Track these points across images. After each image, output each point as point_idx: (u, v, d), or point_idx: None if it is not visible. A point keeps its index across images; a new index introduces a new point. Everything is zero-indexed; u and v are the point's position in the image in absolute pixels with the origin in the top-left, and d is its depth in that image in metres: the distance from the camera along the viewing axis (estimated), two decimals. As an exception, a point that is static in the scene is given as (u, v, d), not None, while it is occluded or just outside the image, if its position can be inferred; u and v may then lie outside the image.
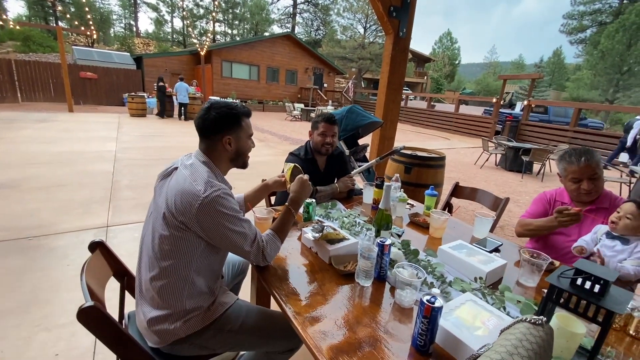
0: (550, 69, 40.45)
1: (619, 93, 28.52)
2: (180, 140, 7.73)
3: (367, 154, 3.80)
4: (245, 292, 1.58)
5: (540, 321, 0.72)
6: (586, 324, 0.82)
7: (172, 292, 1.04)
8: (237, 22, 38.90)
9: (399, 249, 1.34)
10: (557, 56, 41.03)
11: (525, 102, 11.40)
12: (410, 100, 19.07)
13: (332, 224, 1.55)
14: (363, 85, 23.80)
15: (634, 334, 0.96)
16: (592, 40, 31.48)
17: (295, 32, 36.88)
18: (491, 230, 1.71)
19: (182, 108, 11.30)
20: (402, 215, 1.82)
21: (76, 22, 18.59)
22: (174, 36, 38.90)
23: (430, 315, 0.82)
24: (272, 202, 2.12)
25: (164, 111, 11.40)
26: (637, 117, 8.18)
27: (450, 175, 3.63)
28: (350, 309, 1.02)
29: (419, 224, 1.72)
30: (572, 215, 1.43)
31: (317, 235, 1.31)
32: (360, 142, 3.67)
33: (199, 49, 15.08)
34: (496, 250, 1.46)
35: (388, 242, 1.13)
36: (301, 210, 1.58)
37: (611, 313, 0.74)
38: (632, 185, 5.46)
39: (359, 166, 2.92)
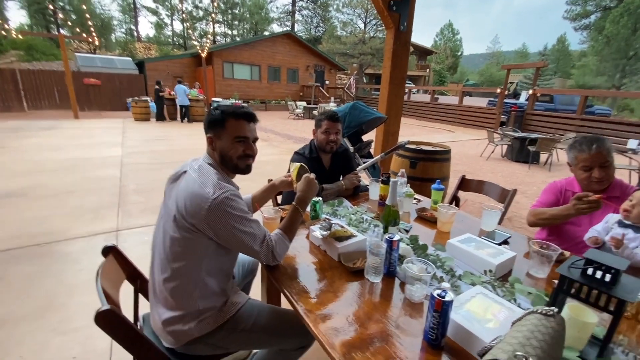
0: (554, 57, 39.85)
1: (625, 78, 28.00)
2: (185, 143, 7.79)
3: (372, 150, 3.80)
4: (256, 292, 1.60)
5: (551, 312, 0.72)
6: (598, 313, 0.81)
7: (184, 293, 1.06)
8: (236, 23, 38.92)
9: (407, 244, 1.35)
10: (562, 43, 40.40)
11: (531, 92, 11.26)
12: (414, 93, 18.95)
13: (340, 221, 1.56)
14: (365, 81, 23.70)
15: (646, 322, 0.96)
16: (597, 25, 30.92)
17: (295, 30, 36.81)
18: (499, 223, 1.70)
19: (184, 110, 11.36)
20: (409, 210, 1.82)
21: (78, 29, 18.73)
22: (175, 39, 39.07)
23: (441, 309, 0.82)
24: (279, 202, 2.14)
25: (163, 115, 11.43)
26: None
27: (456, 168, 3.62)
28: (360, 305, 1.03)
29: (427, 219, 1.72)
30: (592, 203, 1.39)
31: (325, 233, 1.32)
32: (364, 138, 3.66)
33: (199, 51, 15.12)
34: (505, 242, 1.45)
35: (396, 238, 1.14)
36: (308, 208, 1.59)
37: (623, 302, 0.74)
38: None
39: (364, 162, 2.92)
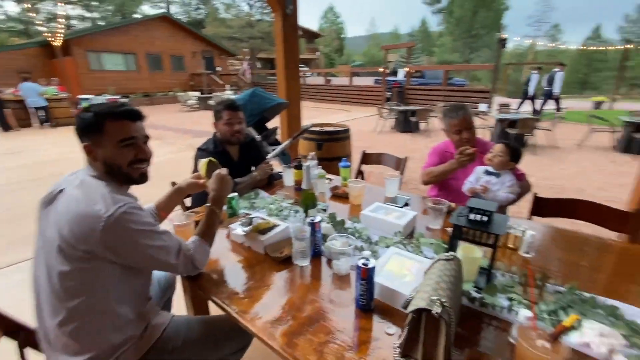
0: (420, 37, 45.86)
1: (472, 54, 34.40)
2: (51, 153, 6.37)
3: (279, 137, 3.79)
4: (180, 306, 1.47)
5: (451, 257, 0.87)
6: (481, 248, 1.01)
7: (91, 332, 0.90)
8: (96, 3, 32.74)
9: (327, 223, 1.41)
10: (424, 25, 46.69)
11: (407, 69, 12.78)
12: (308, 76, 19.40)
13: (260, 213, 1.53)
14: (259, 66, 23.14)
15: (512, 246, 1.24)
16: (449, 9, 36.74)
17: (172, 12, 33.02)
18: (399, 188, 1.93)
19: (42, 113, 9.19)
20: (324, 190, 1.90)
21: None
22: (11, 24, 30.68)
23: (367, 276, 0.90)
24: (190, 205, 1.97)
25: (5, 122, 8.78)
26: (533, 71, 10.06)
27: (355, 144, 3.92)
28: (294, 291, 1.05)
29: (340, 195, 1.83)
30: (470, 155, 1.69)
31: (247, 228, 1.28)
32: (269, 125, 3.62)
33: (50, 39, 12.30)
34: (406, 204, 1.66)
35: (317, 219, 1.18)
36: (225, 207, 1.51)
37: (497, 236, 0.93)
38: (492, 130, 6.77)
39: (273, 150, 2.90)
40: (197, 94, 14.31)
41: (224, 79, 17.95)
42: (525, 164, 2.07)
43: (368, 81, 16.49)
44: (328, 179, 2.12)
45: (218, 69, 19.14)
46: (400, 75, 14.31)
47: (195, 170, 1.56)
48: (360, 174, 2.63)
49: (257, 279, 1.12)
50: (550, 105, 9.79)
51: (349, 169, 2.04)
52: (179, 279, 1.39)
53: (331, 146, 3.64)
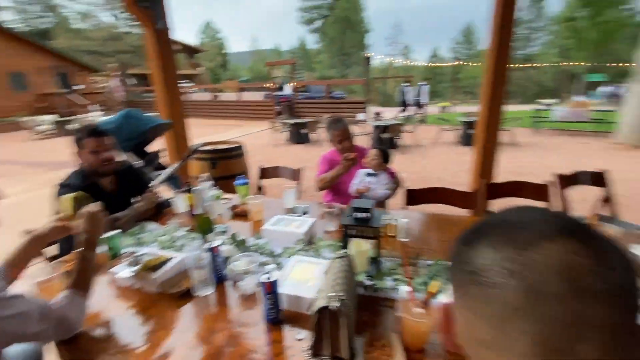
0: (300, 54, 48.86)
1: (347, 69, 38.60)
2: None
3: (165, 159, 3.47)
4: (53, 380, 1.19)
5: (343, 255, 0.97)
6: (368, 241, 1.16)
7: None
8: None
9: (229, 244, 1.38)
10: (302, 43, 49.96)
11: (293, 84, 13.44)
12: (193, 92, 18.33)
13: (149, 249, 1.38)
14: (134, 82, 20.56)
15: (390, 234, 1.45)
16: (323, 29, 40.36)
17: (4, 20, 26.51)
18: (299, 197, 2.02)
19: None
20: (222, 211, 1.84)
21: None
22: None
23: (271, 290, 0.92)
24: (57, 254, 1.62)
25: None
26: (404, 84, 11.50)
27: (253, 159, 3.90)
28: (200, 324, 0.99)
29: (240, 214, 1.81)
30: (353, 159, 1.92)
31: (134, 269, 1.14)
32: (152, 148, 3.29)
33: None
34: (305, 212, 1.76)
35: (216, 243, 1.15)
36: (105, 248, 1.31)
37: (377, 228, 1.09)
38: (371, 135, 7.70)
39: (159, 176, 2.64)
40: (53, 117, 11.80)
41: (89, 98, 15.35)
42: (397, 163, 2.45)
43: (257, 96, 16.61)
44: (225, 198, 2.06)
45: (79, 87, 16.23)
46: (287, 90, 14.94)
47: (58, 210, 1.30)
48: (259, 189, 2.64)
49: (154, 321, 1.01)
50: (419, 112, 11.80)
51: (247, 185, 2.03)
52: (52, 344, 1.13)
53: (227, 164, 3.54)
